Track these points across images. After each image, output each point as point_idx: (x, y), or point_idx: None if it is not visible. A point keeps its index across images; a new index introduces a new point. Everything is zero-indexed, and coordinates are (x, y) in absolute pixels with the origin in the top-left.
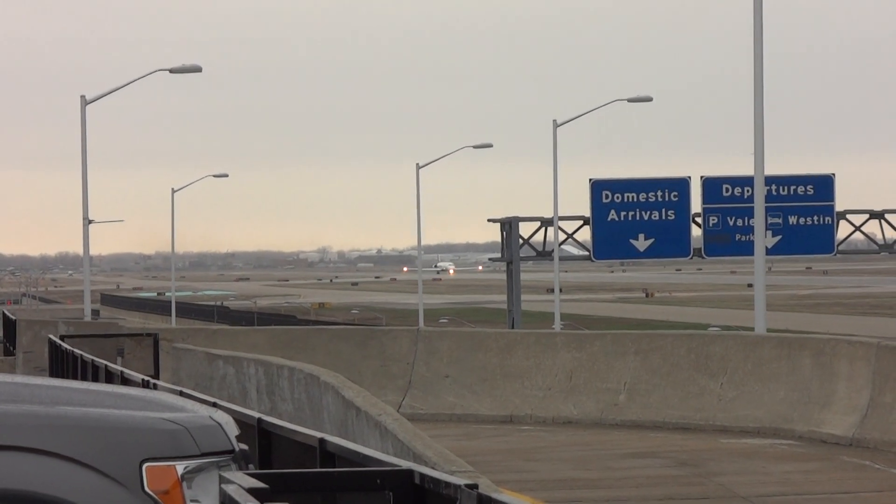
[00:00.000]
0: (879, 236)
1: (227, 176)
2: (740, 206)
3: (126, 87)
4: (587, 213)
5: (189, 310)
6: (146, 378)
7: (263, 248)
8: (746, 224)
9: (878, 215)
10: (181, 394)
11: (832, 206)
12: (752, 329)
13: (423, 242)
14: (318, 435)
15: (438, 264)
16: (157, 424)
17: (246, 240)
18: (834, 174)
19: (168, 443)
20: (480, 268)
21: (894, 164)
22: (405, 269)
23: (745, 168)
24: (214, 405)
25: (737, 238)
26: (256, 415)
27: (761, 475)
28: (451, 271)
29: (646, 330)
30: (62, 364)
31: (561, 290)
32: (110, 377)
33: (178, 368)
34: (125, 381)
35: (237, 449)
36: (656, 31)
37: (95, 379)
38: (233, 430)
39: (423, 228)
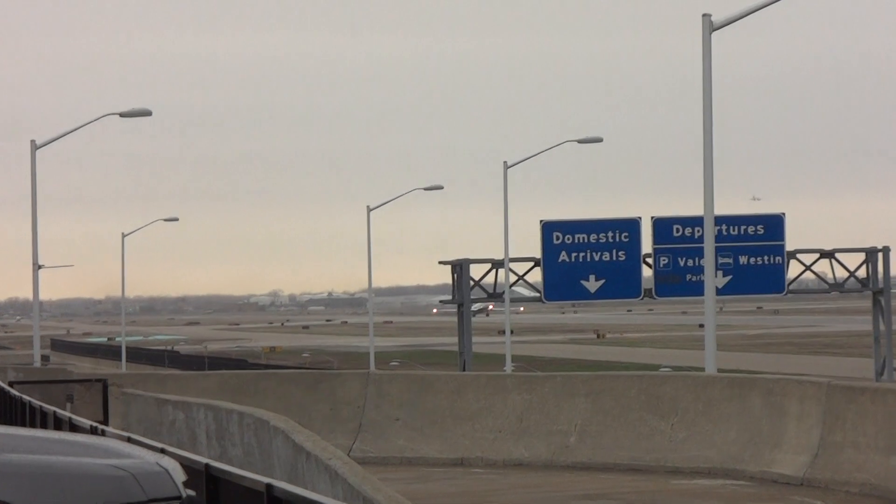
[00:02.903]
0: (830, 275)
1: (177, 220)
2: (691, 246)
3: (76, 131)
4: (538, 254)
5: (139, 355)
6: (95, 424)
7: (214, 291)
8: (697, 264)
9: (828, 255)
10: (129, 440)
11: (782, 246)
12: (703, 369)
13: (374, 285)
14: (266, 480)
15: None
16: (104, 471)
17: (197, 284)
18: (784, 214)
19: (115, 489)
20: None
21: (844, 204)
22: (434, 310)
23: (694, 208)
24: (162, 451)
25: (687, 278)
26: (204, 460)
27: None
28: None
29: (596, 371)
30: (11, 411)
31: (512, 332)
32: (59, 423)
33: (128, 414)
34: (74, 428)
35: (184, 495)
36: (606, 72)
37: (44, 425)
38: (180, 475)
39: (374, 271)
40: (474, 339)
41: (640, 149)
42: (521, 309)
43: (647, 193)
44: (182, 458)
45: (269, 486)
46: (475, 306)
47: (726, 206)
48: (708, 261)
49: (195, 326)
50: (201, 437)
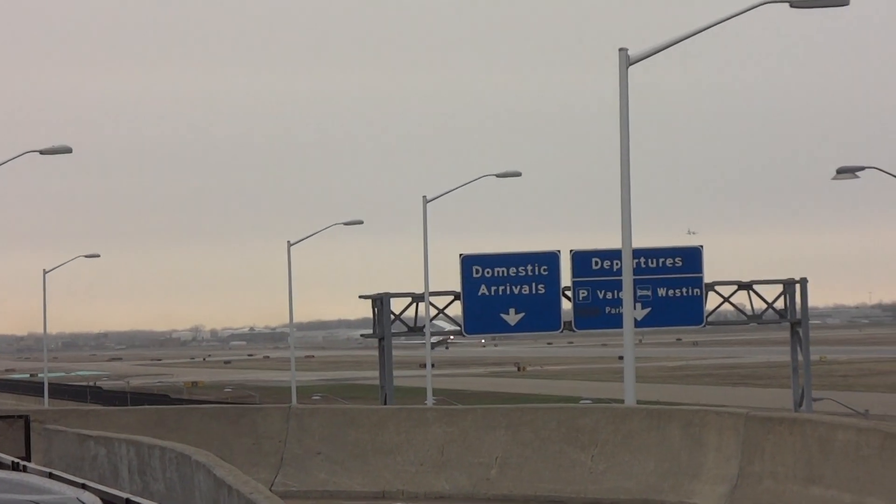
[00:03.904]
0: (748, 307)
1: (98, 256)
2: (609, 279)
3: None
4: (458, 288)
5: (62, 391)
6: (16, 460)
7: (136, 327)
8: (616, 297)
9: (746, 286)
10: (51, 475)
11: (701, 278)
12: (623, 401)
13: (295, 319)
14: None
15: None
16: None
17: (119, 320)
18: (702, 246)
19: None
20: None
21: (761, 236)
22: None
23: (614, 242)
24: (83, 486)
25: (607, 311)
26: (125, 495)
27: None
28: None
29: (516, 404)
30: None
31: (433, 366)
32: None
33: (50, 449)
34: None
35: None
36: (525, 107)
37: None
38: None
39: (295, 305)
40: (396, 372)
41: (559, 183)
42: (482, 342)
43: (567, 227)
44: (103, 494)
45: None
46: (433, 339)
47: (661, 239)
48: (626, 293)
49: (117, 362)
50: (123, 472)
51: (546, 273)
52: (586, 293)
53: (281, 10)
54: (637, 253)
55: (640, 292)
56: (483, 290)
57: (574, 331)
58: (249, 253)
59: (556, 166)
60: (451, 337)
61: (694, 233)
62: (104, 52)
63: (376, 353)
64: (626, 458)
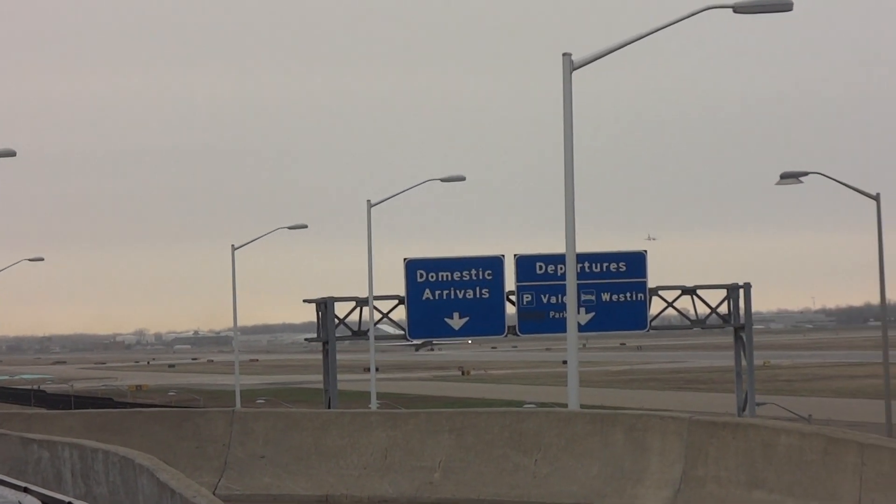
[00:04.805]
0: (692, 312)
1: (42, 259)
2: (554, 283)
3: None
4: (403, 292)
5: (6, 394)
6: None
7: (80, 331)
8: (560, 301)
9: (690, 291)
10: None
11: (644, 283)
12: (567, 406)
13: (239, 323)
14: None
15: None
16: None
17: (63, 323)
18: (646, 251)
19: None
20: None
21: (705, 241)
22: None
23: (558, 246)
24: (25, 490)
25: (551, 315)
26: (67, 499)
27: None
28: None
29: (460, 408)
30: None
31: (378, 370)
32: None
33: None
34: None
35: None
36: (470, 111)
37: None
38: None
39: (240, 309)
40: (340, 376)
41: (504, 187)
42: (469, 342)
43: (512, 231)
44: (45, 498)
45: None
46: (415, 340)
47: (619, 245)
48: (570, 298)
49: (61, 365)
50: (66, 476)
51: (490, 277)
52: (530, 297)
53: (222, 14)
54: (581, 258)
55: (584, 297)
56: (427, 294)
57: (518, 335)
58: (194, 257)
59: (501, 171)
60: (434, 340)
61: (654, 238)
62: (46, 56)
63: (320, 356)
64: (570, 463)
